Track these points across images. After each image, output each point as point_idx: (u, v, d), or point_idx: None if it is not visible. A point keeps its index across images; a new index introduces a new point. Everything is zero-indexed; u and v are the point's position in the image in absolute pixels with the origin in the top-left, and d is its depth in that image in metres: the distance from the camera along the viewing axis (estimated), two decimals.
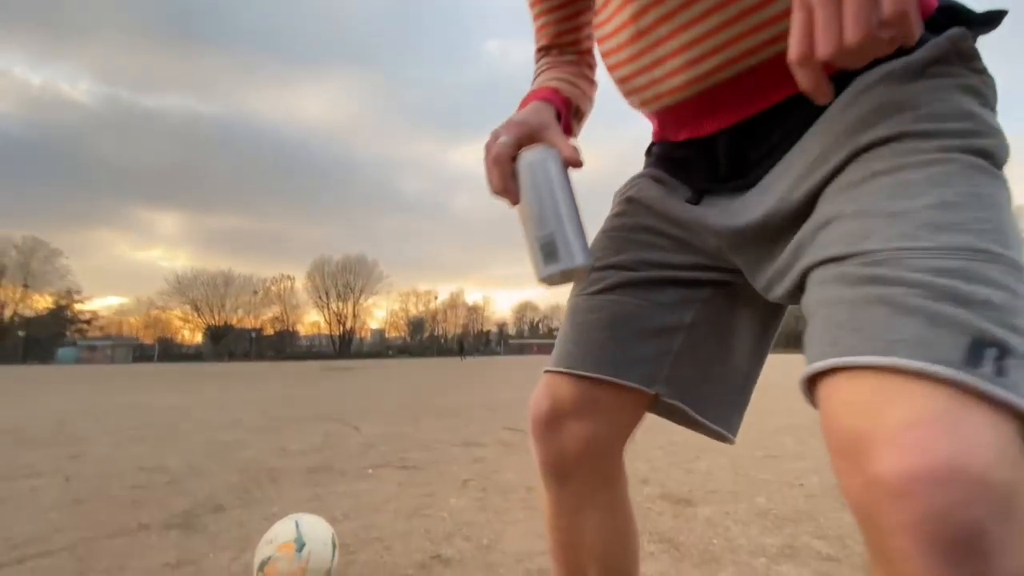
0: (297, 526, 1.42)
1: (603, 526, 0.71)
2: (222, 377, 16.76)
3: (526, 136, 0.62)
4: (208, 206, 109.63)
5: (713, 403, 0.72)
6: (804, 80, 0.42)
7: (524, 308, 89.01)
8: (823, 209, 0.51)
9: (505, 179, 0.60)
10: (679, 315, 0.69)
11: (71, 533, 2.02)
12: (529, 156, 0.58)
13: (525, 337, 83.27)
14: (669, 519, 2.06)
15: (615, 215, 0.76)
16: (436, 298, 78.37)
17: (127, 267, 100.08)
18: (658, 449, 3.50)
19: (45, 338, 59.08)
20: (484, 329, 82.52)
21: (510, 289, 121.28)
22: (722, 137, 0.63)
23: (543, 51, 0.83)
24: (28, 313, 60.43)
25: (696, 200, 0.67)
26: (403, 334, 76.13)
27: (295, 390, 9.92)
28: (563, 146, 0.61)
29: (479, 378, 13.76)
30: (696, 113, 0.64)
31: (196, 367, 33.35)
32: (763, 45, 0.55)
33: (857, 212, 0.46)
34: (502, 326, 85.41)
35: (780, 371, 13.40)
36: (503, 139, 0.60)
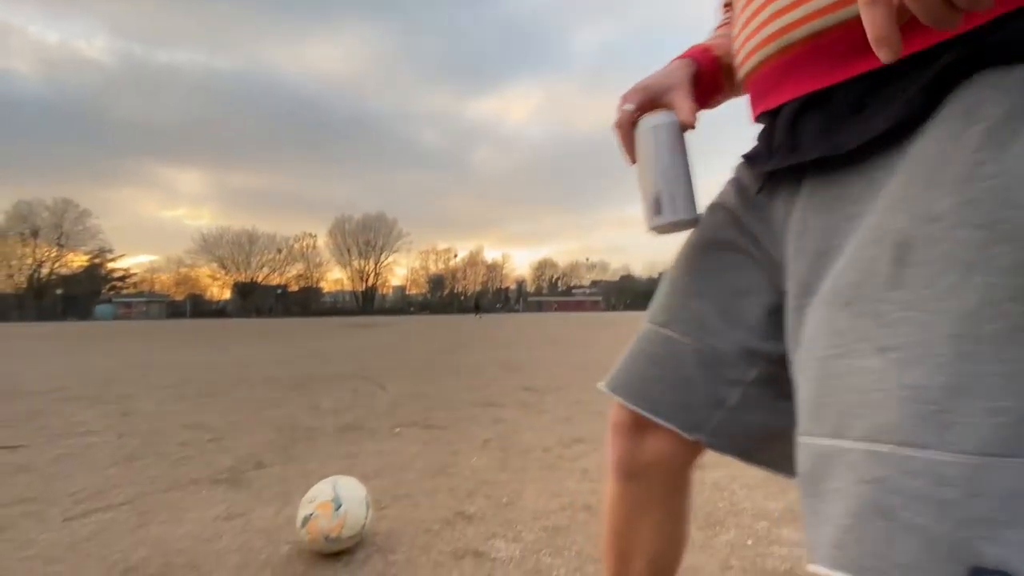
0: (334, 487, 1.57)
1: (660, 529, 0.72)
2: (252, 334, 17.41)
3: (648, 101, 0.66)
4: (228, 164, 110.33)
5: (767, 453, 0.65)
6: (869, 18, 0.33)
7: (543, 265, 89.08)
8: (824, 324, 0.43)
9: (627, 143, 0.66)
10: (741, 370, 0.62)
11: (129, 488, 2.24)
12: (644, 121, 0.65)
13: (544, 294, 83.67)
14: (708, 494, 2.17)
15: (696, 230, 0.70)
16: (455, 256, 78.88)
17: (155, 226, 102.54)
18: None
19: (82, 296, 61.70)
20: (503, 286, 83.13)
21: (529, 246, 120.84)
22: (786, 110, 0.54)
23: (727, 6, 0.79)
24: (64, 272, 62.92)
25: (761, 192, 0.60)
26: (424, 291, 77.28)
27: (322, 347, 10.30)
28: (681, 108, 0.64)
29: (498, 337, 14.00)
30: (774, 80, 0.55)
31: (226, 323, 34.62)
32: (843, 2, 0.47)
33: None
34: (521, 283, 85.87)
35: None
36: (626, 107, 0.66)
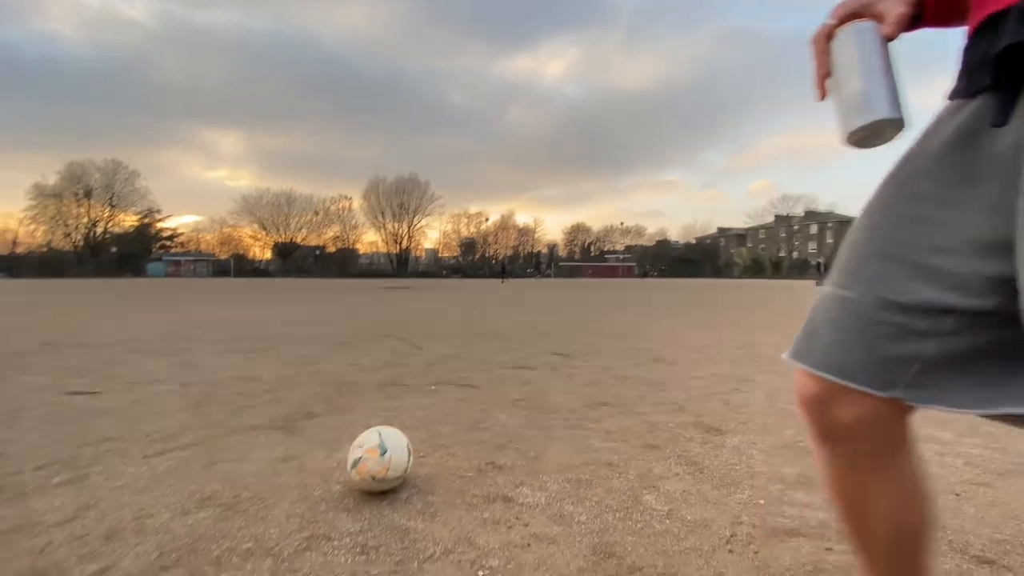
0: (380, 435, 1.75)
1: (890, 492, 0.69)
2: (293, 293, 18.15)
3: (849, 14, 0.64)
4: (265, 126, 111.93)
5: (974, 396, 0.60)
6: None
7: (576, 229, 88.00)
8: None
9: (820, 58, 0.65)
10: (934, 323, 0.59)
11: (197, 431, 2.51)
12: (845, 27, 0.63)
13: (576, 259, 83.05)
14: (698, 445, 2.28)
15: (892, 171, 0.66)
16: (487, 220, 78.74)
17: (198, 187, 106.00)
18: (698, 379, 3.68)
19: (135, 254, 65.05)
20: (535, 250, 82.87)
21: (562, 210, 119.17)
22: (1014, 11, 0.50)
23: None
24: (117, 231, 66.24)
25: (1000, 122, 0.54)
26: (455, 254, 77.91)
27: (360, 308, 10.71)
28: (888, 14, 0.61)
29: (530, 302, 14.14)
30: None
31: (268, 282, 36.07)
32: None
33: None
34: (552, 247, 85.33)
35: (777, 297, 12.87)
36: (826, 21, 0.65)
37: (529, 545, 1.45)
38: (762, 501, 1.72)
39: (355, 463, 1.71)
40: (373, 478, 1.70)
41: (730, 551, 1.41)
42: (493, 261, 76.26)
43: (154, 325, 7.23)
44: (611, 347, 5.23)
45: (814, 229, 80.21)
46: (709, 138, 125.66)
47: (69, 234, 63.25)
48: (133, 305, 11.80)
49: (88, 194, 62.72)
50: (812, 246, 78.44)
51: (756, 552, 1.40)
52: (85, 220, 63.28)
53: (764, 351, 4.97)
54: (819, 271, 26.39)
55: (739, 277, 69.54)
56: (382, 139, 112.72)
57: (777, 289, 23.34)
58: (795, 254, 79.38)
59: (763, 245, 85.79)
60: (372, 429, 1.80)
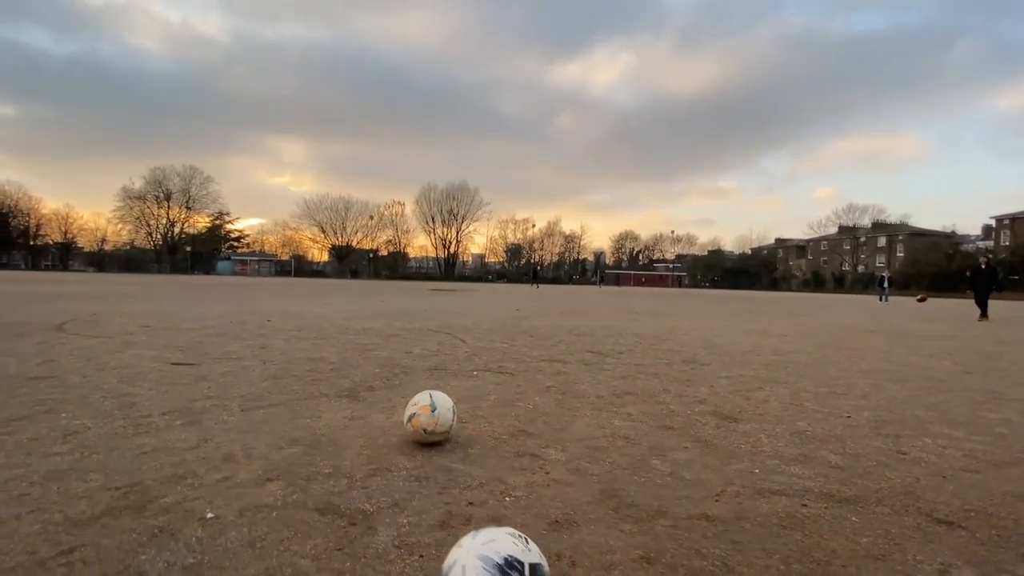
0: (431, 396, 2.13)
1: None
2: (348, 292, 19.19)
3: None
4: (326, 134, 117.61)
5: None
6: None
7: (624, 237, 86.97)
8: None
9: None
10: None
11: (279, 395, 2.99)
12: None
13: (624, 267, 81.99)
14: (711, 429, 2.53)
15: None
16: (533, 226, 79.25)
17: (263, 191, 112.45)
18: (725, 379, 3.87)
19: (206, 252, 70.00)
20: (580, 257, 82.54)
21: (610, 217, 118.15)
22: None
23: None
24: (191, 231, 71.53)
25: None
26: (501, 260, 78.85)
27: (410, 306, 11.32)
28: None
29: (573, 307, 14.35)
30: None
31: (325, 282, 37.98)
32: None
33: None
34: (599, 254, 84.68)
35: (872, 315, 12.41)
36: None
37: (548, 486, 1.78)
38: (757, 471, 1.97)
39: (410, 418, 2.10)
40: (424, 431, 2.08)
41: (716, 500, 1.69)
42: (539, 268, 76.84)
43: (229, 315, 8.04)
44: (646, 348, 5.45)
45: (882, 242, 75.48)
46: (768, 143, 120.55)
47: (150, 233, 68.99)
48: (208, 298, 12.96)
49: (168, 197, 68.22)
50: (880, 260, 73.83)
51: (740, 503, 1.67)
52: (164, 221, 68.83)
53: (798, 358, 5.03)
54: (881, 286, 24.99)
55: (797, 290, 66.42)
56: (435, 145, 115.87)
57: (831, 302, 22.28)
58: (861, 268, 74.97)
59: (825, 258, 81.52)
60: (425, 391, 2.19)
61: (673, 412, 2.83)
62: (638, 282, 71.47)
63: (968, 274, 12.31)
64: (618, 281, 71.75)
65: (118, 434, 2.21)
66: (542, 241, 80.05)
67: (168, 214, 69.18)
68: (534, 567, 0.94)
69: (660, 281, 75.14)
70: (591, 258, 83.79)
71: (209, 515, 1.50)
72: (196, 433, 2.25)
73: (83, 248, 68.68)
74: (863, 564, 1.32)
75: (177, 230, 70.58)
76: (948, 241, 65.01)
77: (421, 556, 1.30)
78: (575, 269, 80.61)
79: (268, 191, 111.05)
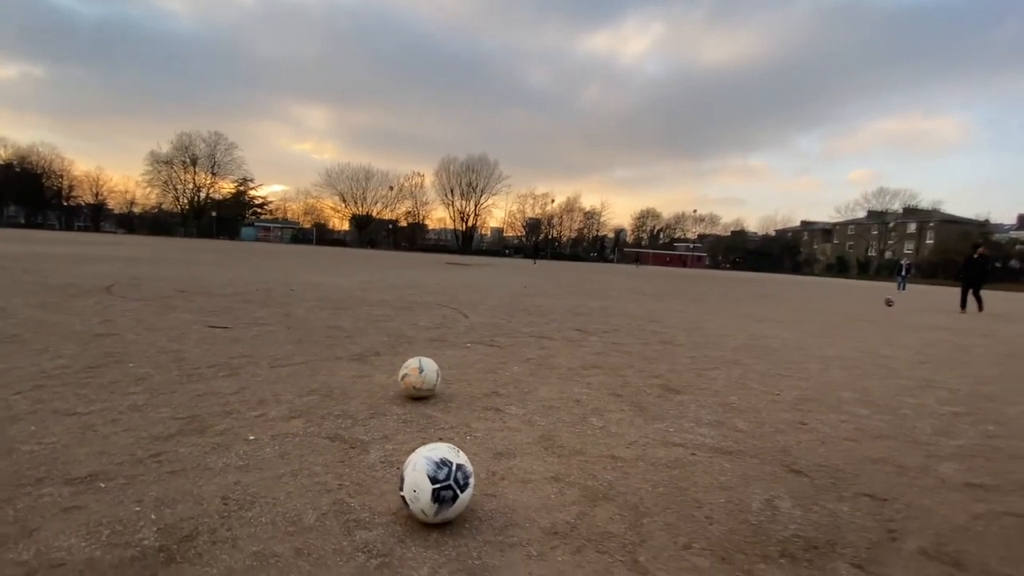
0: (420, 361, 2.67)
1: None
2: (367, 263, 19.91)
3: None
4: (348, 102, 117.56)
5: None
6: None
7: (645, 215, 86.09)
8: None
9: None
10: None
11: (301, 356, 3.59)
12: None
13: (644, 245, 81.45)
14: (652, 398, 3.04)
15: None
16: (552, 201, 78.96)
17: (285, 158, 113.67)
18: (690, 359, 4.35)
19: (230, 218, 71.68)
20: (600, 234, 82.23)
21: (633, 193, 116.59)
22: None
23: None
24: (217, 196, 73.17)
25: None
26: (519, 234, 79.05)
27: (423, 280, 11.92)
28: None
29: (580, 286, 14.77)
30: None
31: (345, 251, 38.98)
32: None
33: None
34: (619, 232, 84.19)
35: (844, 298, 12.52)
36: None
37: (501, 431, 2.32)
38: (672, 430, 2.49)
39: (402, 377, 2.65)
40: (413, 387, 2.64)
41: (626, 447, 2.21)
42: (556, 244, 76.74)
43: (255, 283, 8.73)
44: (631, 329, 5.93)
45: (912, 228, 73.34)
46: (804, 121, 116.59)
47: (177, 198, 70.90)
48: (234, 265, 13.75)
49: (194, 162, 69.69)
50: (909, 246, 71.96)
51: (643, 450, 2.19)
52: (191, 185, 70.54)
53: (771, 343, 5.47)
54: (900, 274, 24.74)
55: (820, 275, 65.39)
56: (457, 116, 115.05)
57: (850, 289, 22.25)
58: (888, 254, 73.19)
59: (851, 242, 79.71)
60: (415, 357, 2.73)
61: (627, 384, 3.34)
62: (657, 261, 71.05)
63: (962, 263, 12.27)
64: (636, 260, 71.45)
65: (175, 380, 2.82)
66: (561, 217, 79.80)
67: (194, 179, 70.72)
68: (460, 466, 1.48)
69: (679, 261, 74.58)
70: (611, 235, 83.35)
71: (251, 437, 2.09)
72: (236, 383, 2.85)
73: (113, 210, 70.98)
74: (711, 491, 1.84)
75: (203, 195, 72.23)
76: (980, 230, 62.86)
77: (397, 468, 1.86)
78: (594, 246, 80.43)
79: (290, 158, 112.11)
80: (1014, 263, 54.18)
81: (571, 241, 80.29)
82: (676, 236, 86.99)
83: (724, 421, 2.66)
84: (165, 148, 68.42)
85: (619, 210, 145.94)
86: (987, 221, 67.30)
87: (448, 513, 1.46)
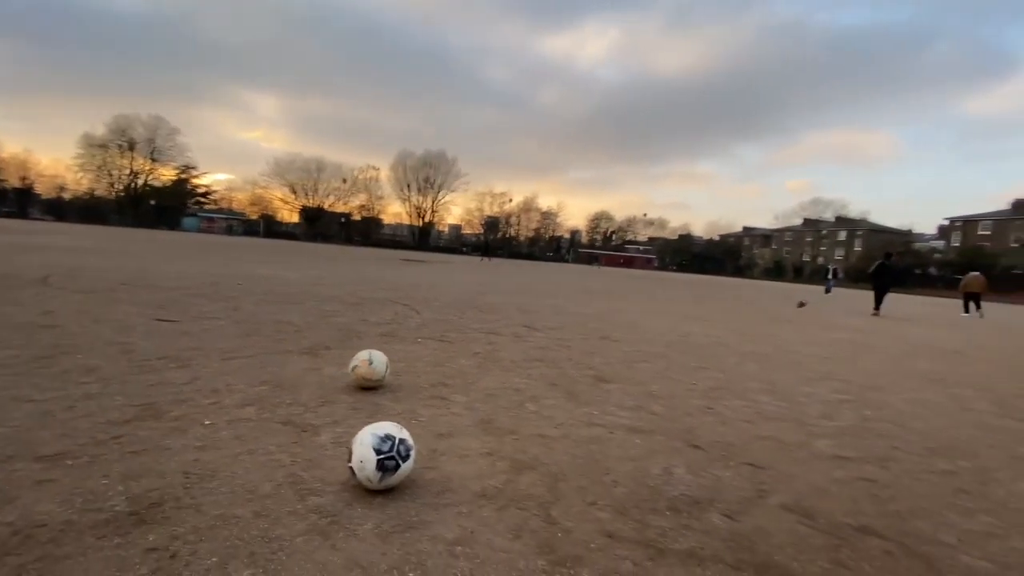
0: (370, 353, 2.87)
1: None
2: (318, 258, 19.53)
3: None
4: (301, 90, 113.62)
5: None
6: None
7: (599, 217, 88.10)
8: None
9: None
10: None
11: (251, 349, 3.68)
12: None
13: (597, 246, 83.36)
14: (584, 387, 3.36)
15: None
16: (510, 200, 79.49)
17: (232, 146, 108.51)
18: (623, 352, 4.73)
19: (171, 207, 67.80)
20: (556, 234, 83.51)
21: (587, 195, 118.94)
22: None
23: None
24: (156, 184, 69.04)
25: None
26: (478, 232, 79.11)
27: (377, 276, 11.92)
28: None
29: (533, 285, 15.16)
30: None
31: (295, 245, 37.82)
32: None
33: None
34: (574, 233, 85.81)
35: (774, 300, 13.65)
36: None
37: (444, 416, 2.56)
38: (596, 413, 2.81)
39: (352, 368, 2.85)
40: (363, 378, 2.83)
41: (554, 428, 2.51)
42: (514, 243, 77.31)
43: (201, 276, 8.53)
44: (575, 326, 6.29)
45: (843, 236, 78.84)
46: (748, 131, 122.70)
47: (112, 184, 66.37)
48: (178, 257, 13.23)
49: (131, 146, 65.40)
50: (839, 253, 77.31)
51: (568, 430, 2.49)
52: (127, 172, 66.17)
53: (698, 340, 5.97)
54: (826, 278, 26.69)
55: (759, 278, 69.18)
56: (415, 110, 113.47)
57: (781, 291, 23.87)
58: (820, 259, 78.33)
59: (788, 248, 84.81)
60: (366, 350, 2.93)
61: (564, 374, 3.65)
62: (610, 263, 72.87)
63: (872, 269, 13.47)
64: (590, 261, 73.08)
65: (127, 371, 2.89)
66: (519, 216, 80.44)
67: (132, 165, 66.46)
68: (402, 440, 1.72)
69: (630, 263, 76.81)
70: (567, 235, 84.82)
71: (206, 422, 2.23)
72: (187, 374, 2.95)
73: (41, 195, 65.70)
74: (620, 462, 2.16)
75: (141, 182, 68.00)
76: (902, 239, 68.36)
77: (346, 447, 2.06)
78: (550, 246, 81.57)
79: (238, 146, 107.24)
80: (932, 270, 59.10)
81: (528, 241, 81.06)
82: (628, 239, 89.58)
83: (643, 406, 3.02)
84: (100, 131, 63.91)
85: (575, 211, 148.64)
86: (910, 231, 73.16)
87: (391, 480, 1.69)
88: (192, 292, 6.41)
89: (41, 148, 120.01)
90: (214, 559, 1.33)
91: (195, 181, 72.00)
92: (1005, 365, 6.22)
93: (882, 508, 1.93)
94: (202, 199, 73.89)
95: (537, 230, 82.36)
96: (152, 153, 66.76)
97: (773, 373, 4.36)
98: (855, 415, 3.23)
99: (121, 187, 66.80)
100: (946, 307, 21.12)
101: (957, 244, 63.50)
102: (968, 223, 64.67)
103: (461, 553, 1.44)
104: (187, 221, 66.15)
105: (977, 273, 15.86)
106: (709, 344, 5.71)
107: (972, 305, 15.37)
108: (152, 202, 66.45)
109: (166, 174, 69.21)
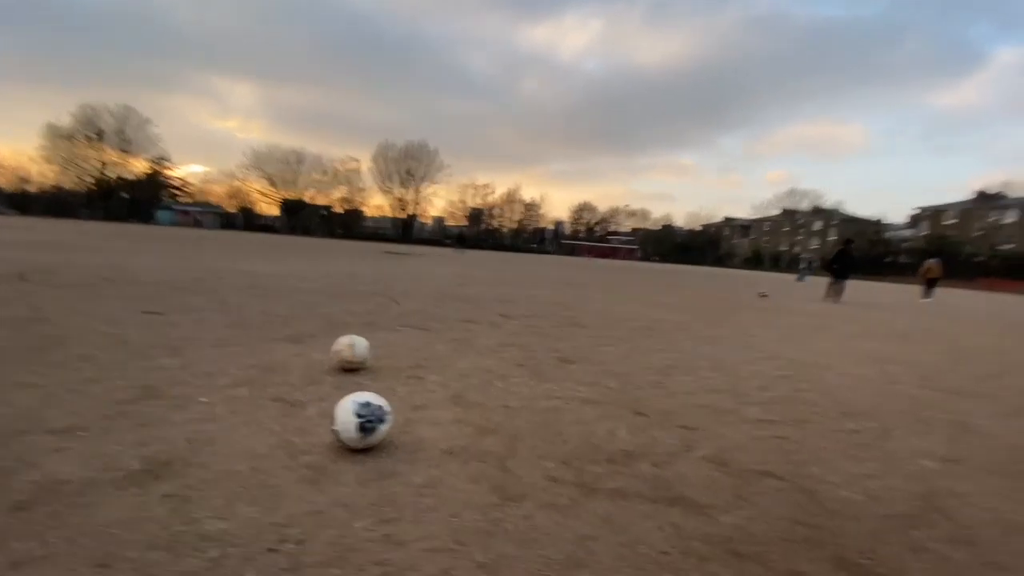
0: (352, 338, 3.15)
1: None
2: (300, 251, 19.53)
3: None
4: (280, 79, 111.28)
5: None
6: None
7: (582, 208, 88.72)
8: None
9: None
10: None
11: (240, 339, 3.92)
12: None
13: (580, 237, 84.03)
14: (550, 368, 3.69)
15: None
16: (493, 192, 79.55)
17: (207, 136, 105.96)
18: (591, 338, 5.08)
19: (144, 200, 66.21)
20: (540, 226, 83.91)
21: (570, 186, 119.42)
22: None
23: None
24: (128, 176, 67.26)
25: None
26: (461, 224, 79.06)
27: (359, 270, 12.09)
28: None
29: (513, 276, 15.47)
30: None
31: (276, 239, 37.48)
32: None
33: None
34: (558, 224, 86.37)
35: (747, 289, 14.26)
36: None
37: (420, 392, 2.86)
38: (556, 388, 3.13)
39: (336, 352, 3.12)
40: (346, 361, 3.11)
41: (518, 400, 2.82)
42: (497, 234, 77.46)
43: (183, 271, 8.64)
44: (549, 314, 6.62)
45: (818, 225, 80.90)
46: (729, 122, 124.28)
47: (81, 177, 64.50)
48: (156, 252, 13.20)
49: (100, 137, 63.53)
50: (815, 242, 79.35)
51: (531, 402, 2.81)
52: (97, 164, 64.33)
53: (662, 326, 6.35)
54: (800, 268, 27.60)
55: (738, 268, 70.62)
56: (396, 100, 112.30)
57: (756, 280, 24.66)
58: (797, 248, 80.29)
59: (767, 238, 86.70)
60: (347, 335, 3.20)
61: (533, 357, 3.98)
62: (592, 254, 73.55)
63: (832, 255, 14.08)
64: (573, 252, 73.66)
65: (123, 359, 3.12)
66: (502, 208, 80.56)
67: (101, 156, 64.64)
68: (379, 406, 2.01)
69: (613, 254, 77.65)
70: (550, 227, 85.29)
71: (203, 400, 2.49)
72: (180, 360, 3.19)
73: (3, 189, 63.59)
74: (571, 426, 2.48)
75: (111, 174, 66.22)
76: (874, 228, 70.41)
77: (332, 418, 2.35)
78: (534, 238, 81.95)
79: (213, 136, 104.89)
80: (903, 258, 61.03)
81: (512, 232, 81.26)
82: (611, 229, 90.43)
83: (600, 382, 3.35)
84: (65, 120, 61.91)
85: (557, 203, 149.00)
86: (881, 220, 75.19)
87: (371, 440, 1.99)
88: (176, 287, 6.56)
89: (2, 139, 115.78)
90: (221, 501, 1.62)
91: (169, 173, 70.37)
92: (945, 345, 6.74)
93: (786, 458, 2.30)
94: (177, 192, 72.30)
95: (520, 222, 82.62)
96: (122, 144, 65.02)
97: (725, 354, 4.75)
98: (789, 387, 3.62)
99: (90, 180, 64.99)
100: (911, 293, 22.05)
101: (926, 233, 65.70)
102: (937, 212, 66.89)
103: (428, 493, 1.74)
104: (161, 214, 64.77)
105: (935, 260, 16.68)
106: (672, 329, 6.09)
107: (933, 291, 16.18)
108: (124, 195, 64.86)
109: (138, 166, 67.51)
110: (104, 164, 64.97)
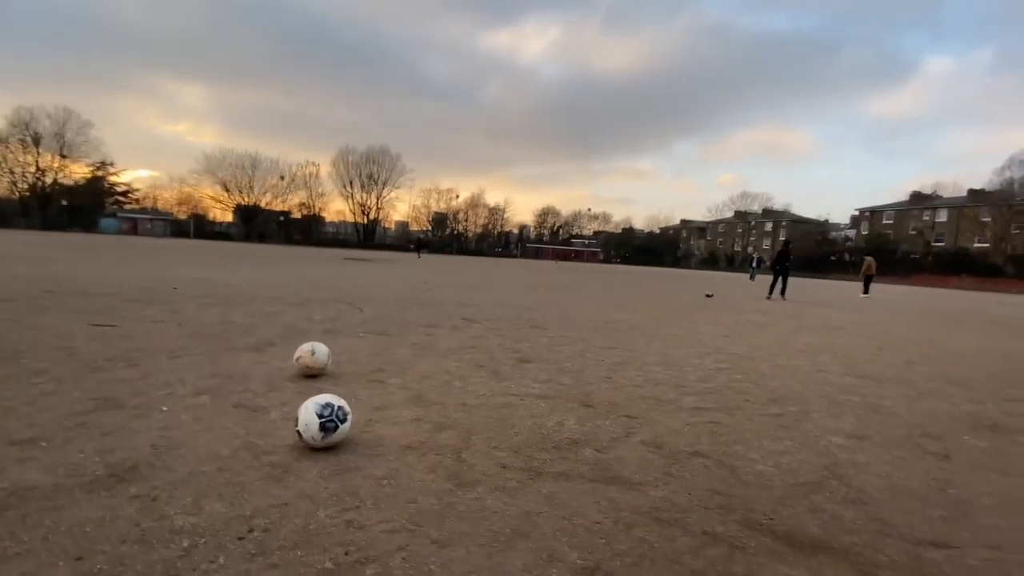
0: (313, 344, 3.24)
1: None
2: (257, 259, 19.05)
3: None
4: (233, 81, 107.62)
5: None
6: None
7: (546, 212, 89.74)
8: None
9: None
10: None
11: (199, 348, 3.93)
12: None
13: (544, 241, 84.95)
14: (508, 368, 3.88)
15: None
16: (457, 197, 79.42)
17: (154, 140, 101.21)
18: (549, 339, 5.30)
19: (86, 207, 62.67)
20: (504, 230, 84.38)
21: (534, 190, 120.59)
22: None
23: None
24: (67, 182, 63.56)
25: None
26: (425, 229, 78.49)
27: (319, 276, 11.97)
28: None
29: (478, 281, 15.61)
30: None
31: (231, 246, 36.26)
32: None
33: None
34: (522, 228, 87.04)
35: (724, 294, 15.01)
36: None
37: (380, 394, 2.99)
38: (513, 386, 3.32)
39: (296, 359, 3.21)
40: (307, 367, 3.21)
41: (475, 399, 2.99)
42: (462, 239, 77.37)
43: (133, 281, 8.38)
44: (510, 317, 6.82)
45: (769, 227, 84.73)
46: (683, 128, 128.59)
47: (15, 183, 60.54)
48: (102, 261, 12.66)
49: (36, 141, 59.85)
50: (767, 243, 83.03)
51: (488, 399, 2.99)
52: (33, 169, 60.52)
53: (617, 326, 6.66)
54: (751, 266, 28.93)
55: (695, 268, 73.04)
56: (355, 104, 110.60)
57: (710, 280, 25.74)
58: (750, 249, 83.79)
59: (722, 239, 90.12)
60: (309, 342, 3.30)
61: (492, 358, 4.15)
62: (556, 256, 74.43)
63: (776, 257, 14.95)
64: (537, 255, 74.41)
65: (77, 371, 3.11)
66: (467, 212, 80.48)
67: (37, 161, 60.88)
68: (340, 406, 2.14)
69: (576, 256, 78.86)
70: (515, 231, 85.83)
71: (164, 409, 2.55)
72: (138, 371, 3.20)
73: None
74: (524, 419, 2.67)
75: (49, 180, 62.44)
76: (820, 229, 74.29)
77: (294, 422, 2.46)
78: (499, 242, 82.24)
79: (161, 140, 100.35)
80: (846, 256, 64.52)
81: (477, 237, 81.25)
82: (574, 233, 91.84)
83: (553, 379, 3.57)
84: None
85: (522, 206, 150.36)
86: (827, 221, 79.34)
87: (332, 439, 2.12)
88: (126, 298, 6.40)
89: None
90: (189, 499, 1.72)
91: (113, 179, 66.96)
92: (874, 338, 7.33)
93: (715, 440, 2.56)
94: (122, 198, 68.85)
95: (485, 226, 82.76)
96: (62, 149, 61.43)
97: (673, 350, 5.06)
98: (725, 379, 3.94)
99: (25, 186, 61.14)
100: (853, 290, 23.47)
101: (866, 232, 69.83)
102: (874, 213, 71.22)
103: (387, 483, 1.89)
104: (105, 222, 61.41)
105: (871, 258, 17.91)
106: (626, 329, 6.40)
107: (871, 286, 17.34)
108: (64, 202, 61.25)
109: (79, 171, 63.91)
110: (41, 170, 61.24)
